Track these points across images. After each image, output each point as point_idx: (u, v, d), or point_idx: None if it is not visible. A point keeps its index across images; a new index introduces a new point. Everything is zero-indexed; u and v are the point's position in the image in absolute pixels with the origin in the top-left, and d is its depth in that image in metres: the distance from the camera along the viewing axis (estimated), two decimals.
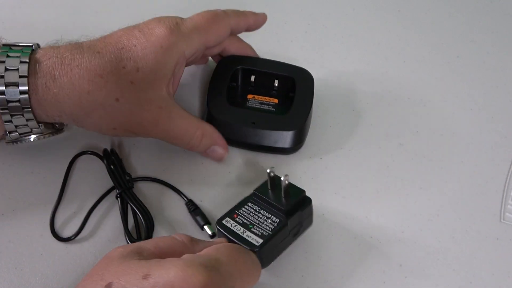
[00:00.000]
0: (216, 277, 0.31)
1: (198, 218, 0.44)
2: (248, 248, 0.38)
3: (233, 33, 0.51)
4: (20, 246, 0.43)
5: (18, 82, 0.39)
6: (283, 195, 0.41)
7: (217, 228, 0.40)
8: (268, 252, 0.39)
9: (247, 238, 0.39)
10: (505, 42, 0.62)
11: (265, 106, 0.51)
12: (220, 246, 0.35)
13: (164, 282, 0.29)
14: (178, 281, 0.29)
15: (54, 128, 0.46)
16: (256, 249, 0.38)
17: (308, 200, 0.42)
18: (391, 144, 0.51)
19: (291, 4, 0.65)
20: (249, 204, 0.42)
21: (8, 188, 0.46)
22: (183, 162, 0.48)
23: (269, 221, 0.40)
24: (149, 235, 0.43)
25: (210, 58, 0.56)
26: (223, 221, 0.40)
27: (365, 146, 0.51)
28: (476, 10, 0.66)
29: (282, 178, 0.40)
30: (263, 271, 0.41)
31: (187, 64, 0.48)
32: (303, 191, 0.42)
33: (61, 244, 0.43)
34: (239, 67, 0.52)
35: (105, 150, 0.47)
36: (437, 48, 0.61)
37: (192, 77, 0.55)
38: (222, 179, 0.48)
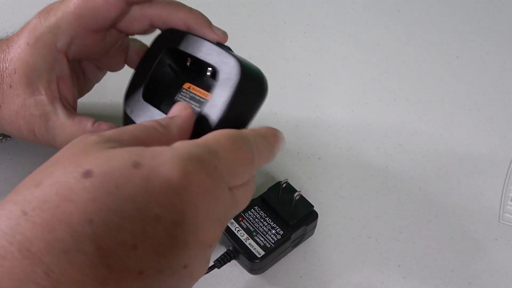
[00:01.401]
0: (214, 176, 0.27)
1: None
2: (249, 259, 0.39)
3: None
4: None
5: None
6: (291, 207, 0.41)
7: None
8: (267, 262, 0.40)
9: (249, 246, 0.39)
10: (505, 42, 0.62)
11: (194, 102, 0.38)
12: (221, 138, 0.29)
13: (159, 176, 0.25)
14: (176, 177, 0.25)
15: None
16: (257, 261, 0.39)
17: (315, 215, 0.42)
18: (390, 144, 0.51)
19: (290, 4, 0.65)
20: (256, 208, 0.42)
21: (7, 188, 0.46)
22: None
23: (273, 231, 0.40)
24: None
25: None
26: (228, 223, 0.41)
27: (364, 146, 0.51)
28: (476, 10, 0.66)
29: (294, 195, 0.41)
30: (262, 274, 0.41)
31: (89, 57, 0.41)
32: (312, 206, 0.42)
33: None
34: (168, 47, 0.39)
35: None
36: (437, 48, 0.61)
37: None
38: None
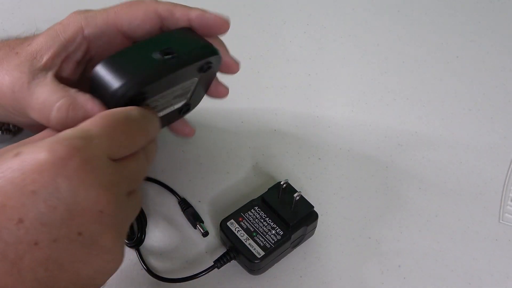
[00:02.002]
0: (85, 149, 0.30)
1: (191, 217, 0.44)
2: (248, 259, 0.39)
3: (166, 26, 0.41)
4: None
5: None
6: (292, 208, 0.41)
7: (220, 229, 0.41)
8: (266, 262, 0.40)
9: (249, 246, 0.39)
10: (505, 42, 0.62)
11: None
12: (96, 116, 0.33)
13: (32, 159, 0.30)
14: (43, 156, 0.30)
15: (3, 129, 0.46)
16: (257, 261, 0.39)
17: (315, 216, 0.42)
18: (390, 144, 0.51)
19: (290, 4, 0.65)
20: (256, 208, 0.42)
21: None
22: (181, 162, 0.48)
23: (273, 232, 0.40)
24: (142, 234, 0.43)
25: None
26: (228, 223, 0.41)
27: (364, 146, 0.51)
28: (476, 10, 0.66)
29: (294, 195, 0.41)
30: (262, 274, 0.41)
31: (103, 58, 0.42)
32: (312, 207, 0.42)
33: None
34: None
35: None
36: (437, 48, 0.61)
37: None
38: (220, 179, 0.48)
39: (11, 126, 0.47)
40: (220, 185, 0.47)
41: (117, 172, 0.32)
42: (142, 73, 0.35)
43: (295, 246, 0.42)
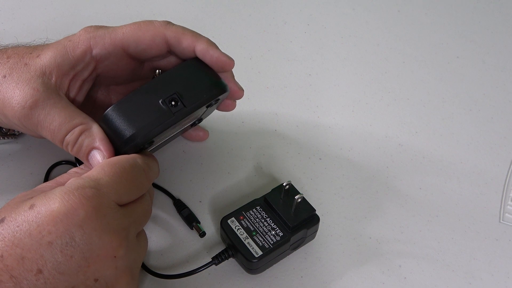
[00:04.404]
0: (95, 198, 0.32)
1: (187, 218, 0.44)
2: (246, 258, 0.39)
3: (173, 52, 0.42)
4: None
5: None
6: (293, 209, 0.41)
7: (221, 226, 0.41)
8: (264, 262, 0.40)
9: (247, 246, 0.39)
10: (505, 42, 0.62)
11: None
12: (104, 164, 0.35)
13: (46, 210, 0.31)
14: (57, 207, 0.31)
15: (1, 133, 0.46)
16: (254, 261, 0.39)
17: (316, 219, 0.42)
18: (391, 144, 0.51)
19: (291, 5, 0.65)
20: (258, 208, 0.42)
21: (8, 188, 0.46)
22: (182, 163, 0.48)
23: (273, 232, 0.40)
24: None
25: None
26: (228, 221, 0.41)
27: (365, 146, 0.51)
28: (476, 10, 0.66)
29: (296, 197, 0.41)
30: (263, 273, 0.41)
31: (113, 78, 0.44)
32: (314, 210, 0.42)
33: None
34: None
35: (76, 158, 0.46)
36: (437, 48, 0.61)
37: None
38: (221, 180, 0.48)
39: (15, 130, 0.47)
40: (221, 185, 0.47)
41: (125, 216, 0.34)
42: (151, 125, 0.37)
43: (294, 248, 0.42)
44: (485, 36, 0.63)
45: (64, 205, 0.31)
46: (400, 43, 0.61)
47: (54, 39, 0.42)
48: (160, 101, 0.37)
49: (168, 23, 0.41)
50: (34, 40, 0.44)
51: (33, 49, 0.40)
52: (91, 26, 0.41)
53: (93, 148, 0.38)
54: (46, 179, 0.46)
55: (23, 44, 0.43)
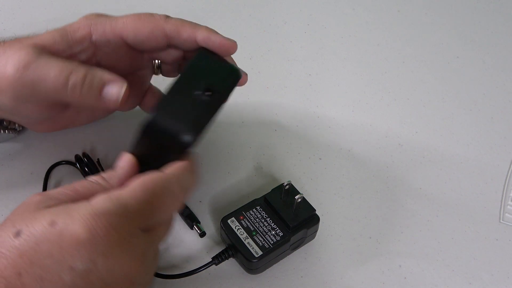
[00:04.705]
0: (122, 227, 0.31)
1: (186, 218, 0.44)
2: (246, 258, 0.39)
3: (173, 45, 0.42)
4: None
5: None
6: (293, 209, 0.41)
7: (221, 226, 0.41)
8: (264, 262, 0.40)
9: (247, 245, 0.39)
10: (505, 42, 0.62)
11: None
12: (136, 186, 0.33)
13: (70, 233, 0.30)
14: (82, 233, 0.30)
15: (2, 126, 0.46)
16: (254, 260, 0.39)
17: (316, 219, 0.42)
18: (391, 144, 0.51)
19: (291, 5, 0.65)
20: (258, 208, 0.42)
21: (8, 189, 0.46)
22: None
23: (273, 232, 0.40)
24: None
25: None
26: (228, 221, 0.41)
27: (365, 146, 0.51)
28: (476, 10, 0.66)
29: (296, 197, 0.41)
30: (263, 272, 0.41)
31: (108, 66, 0.41)
32: (314, 210, 0.42)
33: None
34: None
35: (76, 156, 0.46)
36: (437, 48, 0.61)
37: None
38: (221, 179, 0.48)
39: (16, 125, 0.47)
40: (220, 185, 0.47)
41: (148, 241, 0.33)
42: (200, 118, 0.37)
43: (294, 248, 0.42)
44: (485, 36, 0.63)
45: (89, 232, 0.30)
46: (400, 43, 0.61)
47: None
48: (197, 93, 0.37)
49: (167, 16, 0.41)
50: (29, 34, 0.44)
51: (33, 35, 0.40)
52: (92, 14, 0.41)
53: (108, 80, 0.37)
54: (46, 179, 0.46)
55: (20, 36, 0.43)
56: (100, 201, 0.31)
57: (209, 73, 0.39)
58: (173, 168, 0.35)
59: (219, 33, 0.41)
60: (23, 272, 0.29)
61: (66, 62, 0.38)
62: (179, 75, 0.39)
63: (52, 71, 0.37)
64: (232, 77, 0.40)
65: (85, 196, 0.33)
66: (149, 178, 0.34)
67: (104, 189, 0.35)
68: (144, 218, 0.33)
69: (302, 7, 0.65)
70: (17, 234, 0.30)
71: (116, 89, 0.38)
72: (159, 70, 0.45)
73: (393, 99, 0.55)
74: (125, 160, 0.36)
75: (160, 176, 0.34)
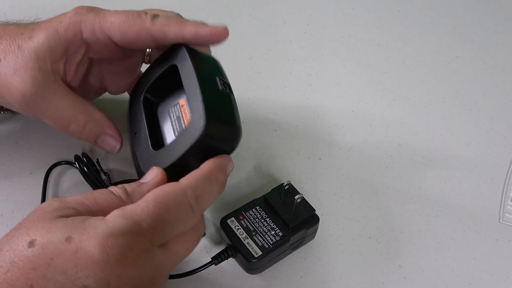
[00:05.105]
0: (137, 247, 0.31)
1: None
2: (246, 258, 0.39)
3: (161, 43, 0.41)
4: None
5: None
6: (293, 209, 0.41)
7: (220, 226, 0.41)
8: (264, 262, 0.40)
9: (247, 245, 0.39)
10: (505, 42, 0.62)
11: (177, 123, 0.40)
12: (149, 199, 0.33)
13: (85, 253, 0.30)
14: (97, 253, 0.30)
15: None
16: (254, 260, 0.39)
17: (316, 219, 0.42)
18: (391, 144, 0.51)
19: (291, 5, 0.65)
20: (257, 208, 0.42)
21: (7, 189, 0.46)
22: None
23: (273, 232, 0.40)
24: None
25: None
26: (228, 221, 0.41)
27: (365, 146, 0.51)
28: (476, 10, 0.66)
29: (296, 197, 0.41)
30: (263, 272, 0.41)
31: (101, 60, 0.43)
32: (313, 210, 0.42)
33: None
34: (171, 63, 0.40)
35: (75, 156, 0.46)
36: (437, 48, 0.61)
37: None
38: None
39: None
40: None
41: (163, 256, 0.33)
42: (235, 110, 0.38)
43: (294, 248, 0.42)
44: (485, 36, 0.63)
45: (105, 253, 0.30)
46: (400, 43, 0.61)
47: (44, 17, 0.42)
48: (221, 90, 0.38)
49: (154, 16, 0.40)
50: (24, 18, 0.44)
51: (24, 28, 0.40)
52: (82, 7, 0.40)
53: (101, 133, 0.40)
54: (46, 179, 0.46)
55: (13, 21, 0.43)
56: (116, 220, 0.31)
57: (205, 68, 0.39)
58: (189, 178, 0.35)
59: (206, 24, 0.40)
60: (36, 285, 0.29)
61: (69, 102, 0.40)
62: (190, 77, 0.38)
63: (56, 114, 0.39)
64: (215, 63, 0.40)
65: (103, 210, 0.33)
66: (162, 191, 0.33)
67: (125, 203, 0.34)
68: (158, 234, 0.32)
69: (302, 7, 0.65)
70: (31, 244, 0.30)
71: (112, 142, 0.41)
72: (148, 58, 0.46)
73: (393, 99, 0.55)
74: (152, 176, 0.36)
75: (173, 188, 0.34)
